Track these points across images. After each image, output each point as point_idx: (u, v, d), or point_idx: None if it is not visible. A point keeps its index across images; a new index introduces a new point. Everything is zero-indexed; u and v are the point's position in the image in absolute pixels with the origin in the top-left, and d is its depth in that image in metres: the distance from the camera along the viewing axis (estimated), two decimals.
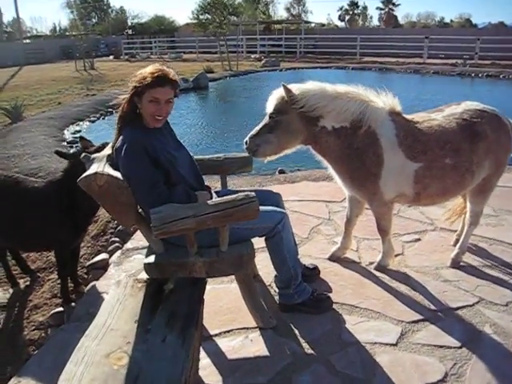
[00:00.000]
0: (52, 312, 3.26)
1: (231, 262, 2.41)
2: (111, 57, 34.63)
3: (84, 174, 2.17)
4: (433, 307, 2.88)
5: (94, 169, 2.26)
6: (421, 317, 2.79)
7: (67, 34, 48.91)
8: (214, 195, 2.63)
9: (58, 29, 61.29)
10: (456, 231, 3.74)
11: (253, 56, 29.38)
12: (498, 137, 2.96)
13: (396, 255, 3.43)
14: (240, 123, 10.67)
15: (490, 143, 2.93)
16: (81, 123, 10.63)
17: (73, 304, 3.33)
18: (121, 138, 2.33)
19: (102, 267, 3.74)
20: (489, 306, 2.90)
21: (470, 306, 2.90)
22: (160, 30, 47.31)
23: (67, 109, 11.73)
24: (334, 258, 3.47)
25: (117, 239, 4.25)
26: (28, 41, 46.58)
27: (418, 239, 3.79)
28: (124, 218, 2.38)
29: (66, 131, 9.74)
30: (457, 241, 3.61)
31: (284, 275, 2.74)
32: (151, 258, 2.41)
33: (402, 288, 3.09)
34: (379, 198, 3.01)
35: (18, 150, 7.43)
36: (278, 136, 2.84)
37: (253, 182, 5.31)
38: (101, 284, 3.32)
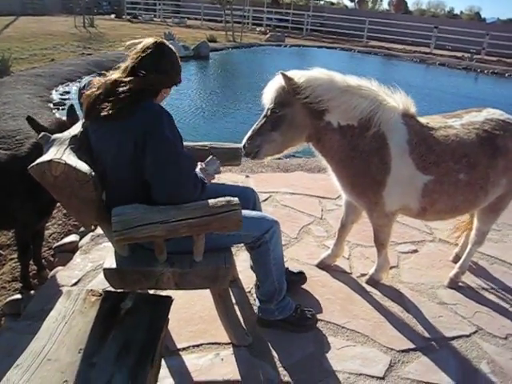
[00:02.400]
0: (8, 299, 2.94)
1: (205, 275, 2.09)
2: (113, 15, 33.44)
3: (37, 161, 1.82)
4: (426, 335, 2.61)
5: (50, 155, 1.90)
6: (412, 345, 2.51)
7: None
8: None
9: None
10: (456, 245, 3.46)
11: (258, 29, 28.58)
12: None
13: (390, 267, 3.14)
14: (237, 97, 10.28)
15: (509, 160, 2.61)
16: (71, 84, 10.09)
17: (32, 292, 3.01)
18: (151, 111, 1.91)
19: (71, 250, 3.41)
20: (487, 337, 2.64)
21: (467, 336, 2.63)
22: None
23: (58, 67, 11.15)
24: (322, 266, 3.18)
25: None
26: None
27: (415, 250, 3.50)
28: (83, 215, 2.04)
29: (54, 91, 9.22)
30: (456, 257, 3.34)
31: (267, 288, 2.44)
32: (112, 262, 2.09)
33: (395, 308, 2.81)
34: (380, 209, 2.70)
35: None
36: (283, 133, 2.49)
37: (244, 167, 4.95)
38: (62, 275, 2.99)
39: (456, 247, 3.43)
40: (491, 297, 3.02)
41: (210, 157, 2.32)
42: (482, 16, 58.47)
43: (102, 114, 1.90)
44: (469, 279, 3.17)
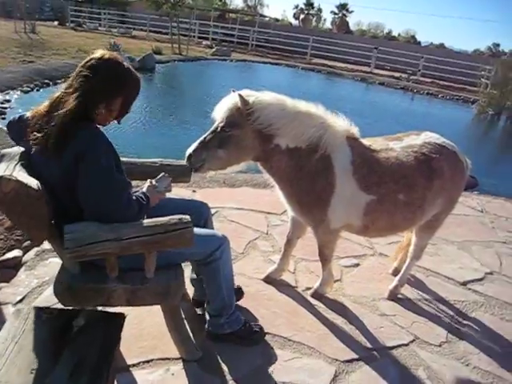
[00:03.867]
0: None
1: (157, 292, 2.10)
2: (56, 22, 32.46)
3: None
4: (369, 345, 2.73)
5: None
6: (356, 356, 2.62)
7: None
8: None
9: None
10: (395, 258, 3.65)
11: (204, 42, 28.70)
12: (453, 175, 2.84)
13: (334, 281, 3.26)
14: (181, 110, 10.24)
15: (445, 181, 2.80)
16: (11, 92, 9.72)
17: None
18: (85, 136, 1.86)
19: (13, 266, 3.26)
20: (423, 345, 2.80)
21: (406, 345, 2.78)
22: (111, 1, 44.99)
23: None
24: (269, 280, 3.25)
25: None
26: None
27: (357, 264, 3.65)
28: (34, 232, 1.99)
29: None
30: (395, 270, 3.51)
31: (217, 304, 2.48)
32: (62, 279, 2.05)
33: (338, 321, 2.92)
34: (325, 226, 2.81)
35: None
36: (230, 152, 2.51)
37: (190, 182, 4.95)
38: (6, 292, 2.87)
39: (395, 261, 3.61)
40: (427, 307, 3.20)
41: (162, 174, 2.31)
42: (418, 39, 61.84)
43: (35, 147, 1.89)
44: (407, 291, 3.34)
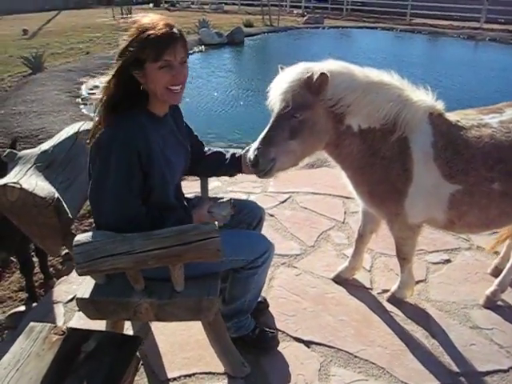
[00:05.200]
0: (11, 311, 2.80)
1: (187, 307, 1.84)
2: (151, 5, 33.53)
3: None
4: (454, 368, 2.25)
5: (8, 177, 1.70)
6: (436, 381, 2.16)
7: None
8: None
9: None
10: (497, 253, 3.05)
11: (295, 11, 27.82)
12: None
13: (417, 282, 2.78)
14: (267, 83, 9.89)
15: None
16: (101, 77, 10.04)
17: (34, 304, 2.87)
18: (107, 129, 1.69)
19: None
20: None
21: (504, 371, 2.24)
22: None
23: (90, 60, 11.15)
24: (339, 280, 2.86)
25: None
26: None
27: (448, 260, 3.10)
28: (47, 242, 1.83)
29: (83, 86, 9.18)
30: (496, 269, 2.92)
31: (235, 306, 2.21)
32: (86, 291, 1.87)
33: (418, 333, 2.46)
34: (402, 221, 2.36)
35: (26, 107, 6.96)
36: (304, 141, 2.06)
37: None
38: (60, 290, 2.82)
39: (496, 257, 3.01)
40: None
41: (226, 199, 1.97)
42: None
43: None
44: (509, 296, 2.75)
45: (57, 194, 1.76)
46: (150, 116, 1.80)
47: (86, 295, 1.84)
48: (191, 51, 13.76)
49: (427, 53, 17.06)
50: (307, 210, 3.74)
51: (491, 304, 2.67)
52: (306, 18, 23.31)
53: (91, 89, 9.03)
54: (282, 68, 2.19)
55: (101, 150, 1.70)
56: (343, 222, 3.56)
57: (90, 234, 1.64)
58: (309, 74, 1.98)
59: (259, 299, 2.54)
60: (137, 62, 1.65)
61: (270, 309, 2.62)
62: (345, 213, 3.69)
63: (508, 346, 2.39)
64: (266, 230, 3.31)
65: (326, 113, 2.07)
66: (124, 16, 22.17)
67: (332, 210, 3.74)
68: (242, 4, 30.29)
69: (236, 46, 15.45)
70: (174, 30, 1.69)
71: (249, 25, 20.01)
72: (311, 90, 1.99)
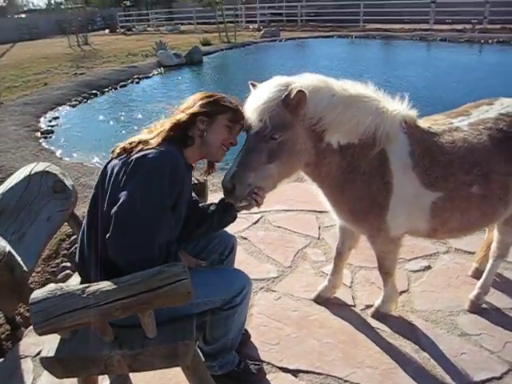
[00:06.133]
0: None
1: (162, 355, 1.70)
2: (107, 31, 33.32)
3: None
4: (448, 380, 2.17)
5: None
6: None
7: (62, 7, 47.22)
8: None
9: (53, 1, 59.22)
10: (474, 253, 3.02)
11: (251, 26, 28.08)
12: None
13: (400, 292, 2.71)
14: None
15: None
16: (60, 108, 9.79)
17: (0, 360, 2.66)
18: (159, 151, 1.71)
19: None
20: None
21: (498, 378, 2.18)
22: (157, 0, 45.35)
23: (47, 92, 10.87)
24: (321, 300, 2.76)
25: (68, 264, 3.58)
26: (23, 15, 45.10)
27: (428, 267, 3.05)
28: (3, 301, 1.67)
29: (42, 119, 8.92)
30: (476, 271, 2.89)
31: (216, 346, 2.09)
32: (51, 349, 1.71)
33: (407, 348, 2.38)
34: (384, 235, 2.28)
35: None
36: (283, 164, 1.93)
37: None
38: (28, 343, 2.62)
39: (475, 257, 2.98)
40: None
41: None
42: None
43: None
44: (493, 297, 2.70)
45: (8, 248, 1.62)
46: (186, 164, 1.85)
47: (51, 353, 1.69)
48: (150, 74, 13.65)
49: (383, 56, 17.44)
50: (281, 228, 3.64)
51: (476, 308, 2.61)
52: (262, 32, 23.56)
53: (50, 121, 8.79)
54: (253, 85, 2.07)
55: (151, 170, 1.65)
56: (318, 238, 3.47)
57: (43, 290, 1.50)
58: (286, 93, 1.87)
59: None
60: (212, 113, 1.86)
61: (253, 339, 2.50)
62: (319, 228, 3.61)
63: (498, 351, 2.33)
64: (241, 255, 3.21)
65: (306, 132, 1.97)
66: (80, 44, 21.98)
67: (306, 226, 3.65)
68: (198, 23, 30.43)
69: (195, 65, 15.42)
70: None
71: (206, 43, 20.08)
72: (289, 108, 1.88)
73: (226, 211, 2.06)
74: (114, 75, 12.70)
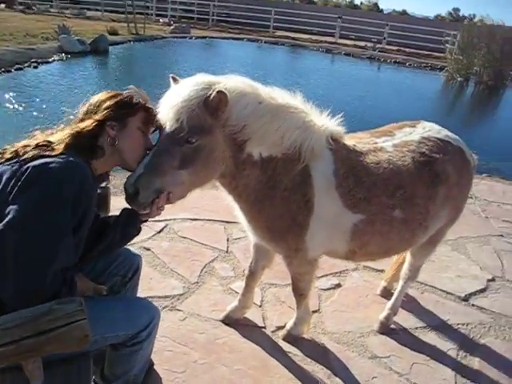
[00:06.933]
0: None
1: None
2: (3, 5, 30.35)
3: None
4: None
5: None
6: None
7: None
8: None
9: None
10: (383, 271, 3.03)
11: (161, 20, 27.29)
12: (459, 179, 2.21)
13: (312, 312, 2.61)
14: None
15: (450, 187, 2.16)
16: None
17: None
18: (67, 159, 1.41)
19: None
20: None
21: None
22: None
23: None
24: (230, 321, 2.57)
25: None
26: None
27: (338, 285, 3.00)
28: None
29: None
30: (385, 289, 2.90)
31: (118, 382, 1.81)
32: None
33: (320, 373, 2.27)
34: (302, 256, 2.15)
35: None
36: (196, 171, 1.73)
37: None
38: None
39: (384, 276, 2.99)
40: (427, 338, 2.60)
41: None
42: (380, 7, 60.82)
43: None
44: (400, 317, 2.71)
45: None
46: (93, 176, 1.53)
47: None
48: (50, 59, 12.59)
49: (290, 63, 17.89)
50: (186, 239, 3.39)
51: (385, 329, 2.60)
52: (172, 27, 22.97)
53: None
54: (174, 79, 1.83)
55: (53, 182, 1.35)
56: (227, 252, 3.29)
57: None
58: (209, 92, 1.65)
59: None
60: (122, 116, 1.59)
61: (156, 366, 2.22)
62: (227, 240, 3.43)
63: (406, 374, 2.32)
64: (143, 268, 2.90)
65: (227, 139, 1.77)
66: None
67: (214, 237, 3.45)
68: (105, 10, 28.92)
69: (100, 54, 14.51)
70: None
71: (113, 32, 19.05)
72: (210, 111, 1.67)
73: (130, 222, 1.76)
74: (8, 56, 11.40)
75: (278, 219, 2.02)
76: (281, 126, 1.84)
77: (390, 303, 2.64)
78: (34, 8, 29.19)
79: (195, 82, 1.72)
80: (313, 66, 16.86)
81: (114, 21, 24.36)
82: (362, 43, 23.46)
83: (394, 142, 2.18)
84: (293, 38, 23.76)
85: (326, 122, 2.02)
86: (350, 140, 2.13)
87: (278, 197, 1.96)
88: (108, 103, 1.58)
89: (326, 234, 2.08)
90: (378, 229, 2.08)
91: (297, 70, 15.30)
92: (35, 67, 11.39)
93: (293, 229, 2.04)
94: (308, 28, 26.55)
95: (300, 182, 1.95)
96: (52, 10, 29.93)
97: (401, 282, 2.62)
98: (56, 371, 1.44)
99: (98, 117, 1.55)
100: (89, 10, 29.42)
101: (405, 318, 2.74)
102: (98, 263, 1.86)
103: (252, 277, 2.51)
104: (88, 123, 1.54)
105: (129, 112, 1.60)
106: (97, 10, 29.71)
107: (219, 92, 1.62)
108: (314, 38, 24.71)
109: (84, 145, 1.51)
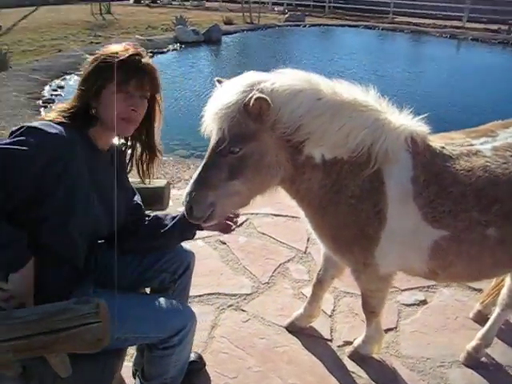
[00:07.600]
0: None
1: None
2: (131, 1, 32.77)
3: None
4: None
5: None
6: None
7: None
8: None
9: None
10: (480, 291, 2.63)
11: (276, 9, 27.36)
12: None
13: (386, 330, 2.34)
14: None
15: None
16: (68, 77, 9.42)
17: None
18: (48, 121, 1.44)
19: None
20: None
21: None
22: None
23: (59, 59, 10.53)
24: (294, 329, 2.41)
25: None
26: None
27: (423, 301, 2.67)
28: None
29: (47, 87, 8.58)
30: (479, 313, 2.51)
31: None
32: None
33: None
34: (372, 271, 1.91)
35: None
36: (249, 180, 1.62)
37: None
38: None
39: (480, 297, 2.59)
40: None
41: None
42: None
43: None
44: (495, 349, 2.32)
45: None
46: (89, 145, 1.52)
47: None
48: (165, 49, 13.24)
49: (411, 51, 16.81)
50: (265, 236, 3.27)
51: (473, 362, 2.23)
52: (287, 15, 22.88)
53: (55, 90, 8.46)
54: (219, 82, 1.72)
55: (24, 129, 1.35)
56: (305, 252, 3.11)
57: None
58: (250, 96, 1.50)
59: (193, 358, 2.09)
60: (97, 86, 1.48)
61: (208, 367, 2.17)
62: (308, 240, 3.23)
63: None
64: (215, 262, 2.88)
65: (279, 142, 1.61)
66: (102, 13, 21.57)
67: (293, 236, 3.28)
68: (223, 1, 29.78)
69: (213, 44, 14.92)
70: (144, 60, 1.53)
71: (229, 22, 19.54)
72: (255, 115, 1.52)
73: (188, 228, 1.76)
74: None
75: (344, 229, 1.80)
76: (345, 124, 1.61)
77: (482, 331, 2.26)
78: (158, 2, 31.03)
79: (238, 83, 1.58)
80: (431, 53, 15.66)
81: (231, 11, 25.01)
82: (495, 27, 21.15)
83: (494, 145, 1.81)
84: (414, 24, 22.35)
85: (404, 122, 1.73)
86: (438, 141, 1.82)
87: (344, 203, 1.74)
88: (84, 75, 1.52)
89: (400, 250, 1.81)
90: (465, 249, 1.76)
91: (409, 58, 14.35)
92: (151, 57, 11.98)
93: (360, 241, 1.81)
94: (432, 12, 24.72)
95: (370, 189, 1.71)
96: (174, 2, 31.58)
97: (498, 310, 2.21)
98: (87, 361, 1.41)
99: (76, 93, 1.53)
100: (208, 1, 30.53)
101: (502, 351, 2.33)
102: (146, 258, 1.81)
103: (319, 285, 2.31)
104: (68, 104, 1.54)
105: (101, 79, 1.48)
106: (216, 0, 30.72)
107: (258, 99, 1.47)
108: (439, 22, 22.96)
109: (75, 115, 1.49)
